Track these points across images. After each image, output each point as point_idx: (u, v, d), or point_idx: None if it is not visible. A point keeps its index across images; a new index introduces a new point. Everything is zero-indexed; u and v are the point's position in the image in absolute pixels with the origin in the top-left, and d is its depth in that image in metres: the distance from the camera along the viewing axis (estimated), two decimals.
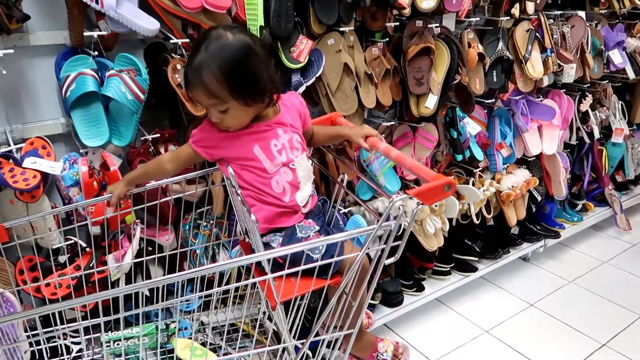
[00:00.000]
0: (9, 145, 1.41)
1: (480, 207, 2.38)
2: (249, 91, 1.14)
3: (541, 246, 2.76)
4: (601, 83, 2.82)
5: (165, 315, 1.75)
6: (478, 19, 2.15)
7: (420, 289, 2.29)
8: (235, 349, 1.52)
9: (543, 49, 2.29)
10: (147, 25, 1.38)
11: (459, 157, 2.24)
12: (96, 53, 1.44)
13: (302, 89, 1.69)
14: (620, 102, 2.98)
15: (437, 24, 1.99)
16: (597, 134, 2.75)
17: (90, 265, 1.47)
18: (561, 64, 2.36)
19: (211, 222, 1.73)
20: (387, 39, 1.93)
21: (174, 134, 1.63)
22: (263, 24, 1.56)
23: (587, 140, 2.78)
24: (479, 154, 2.27)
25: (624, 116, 3.02)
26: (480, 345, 2.20)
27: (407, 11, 1.84)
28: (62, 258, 1.50)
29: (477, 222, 2.38)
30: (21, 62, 1.46)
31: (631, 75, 2.81)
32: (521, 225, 2.73)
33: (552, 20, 2.42)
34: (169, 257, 1.60)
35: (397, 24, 1.92)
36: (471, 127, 2.23)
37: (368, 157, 1.96)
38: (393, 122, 2.05)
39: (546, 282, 2.66)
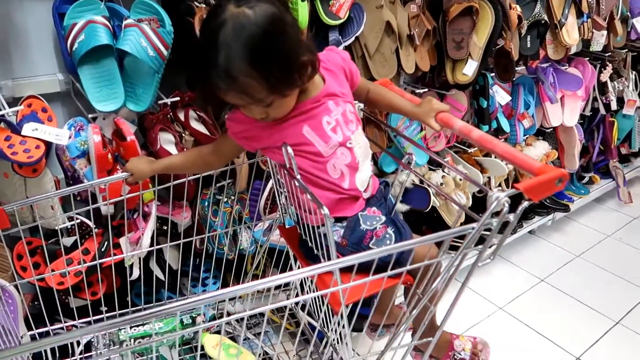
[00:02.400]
0: (1, 107, 1.16)
1: (501, 181, 2.26)
2: (290, 76, 0.92)
3: (550, 220, 2.70)
4: (620, 52, 2.71)
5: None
6: None
7: None
8: (266, 342, 1.37)
9: (579, 14, 2.13)
10: None
11: (485, 128, 2.09)
12: None
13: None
14: (634, 72, 2.88)
15: None
16: (614, 106, 2.66)
17: (102, 249, 1.27)
18: (594, 30, 2.21)
19: (232, 197, 1.54)
20: None
21: (194, 97, 1.40)
22: None
23: (603, 111, 2.69)
24: (506, 125, 2.14)
25: (636, 87, 2.93)
26: (496, 322, 2.14)
27: None
28: (68, 240, 1.28)
29: None
30: (9, 3, 1.19)
31: None
32: None
33: None
34: (183, 235, 1.41)
35: None
36: (500, 96, 2.08)
37: (397, 126, 1.79)
38: (426, 90, 1.87)
39: (554, 256, 2.62)
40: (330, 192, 1.04)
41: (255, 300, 1.52)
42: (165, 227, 1.43)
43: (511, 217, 0.88)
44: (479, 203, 2.37)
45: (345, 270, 1.02)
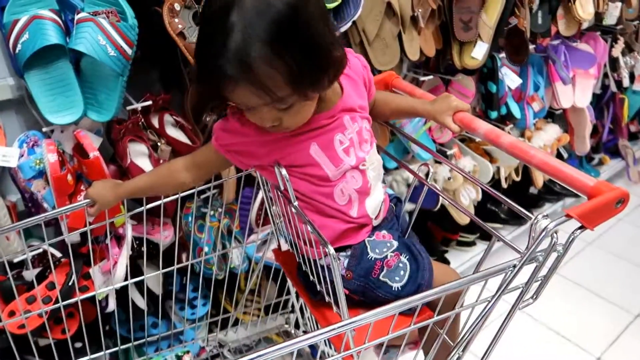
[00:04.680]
0: None
1: (510, 171, 2.10)
2: (319, 72, 0.72)
3: (560, 206, 2.55)
4: (631, 24, 2.52)
5: (165, 325, 1.40)
6: None
7: (445, 263, 2.03)
8: None
9: None
10: None
11: (494, 115, 1.92)
12: None
13: None
14: None
15: None
16: (626, 83, 2.48)
17: (69, 282, 1.09)
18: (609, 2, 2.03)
19: (219, 210, 1.36)
20: None
21: (169, 99, 1.21)
22: None
23: (614, 89, 2.52)
24: (516, 110, 1.97)
25: None
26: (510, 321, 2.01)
27: None
28: (28, 274, 1.10)
29: (506, 187, 2.11)
30: None
31: None
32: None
33: None
34: (164, 253, 1.23)
35: None
36: (510, 79, 1.90)
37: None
38: (431, 76, 1.68)
39: None
40: (335, 220, 0.86)
41: (250, 327, 1.36)
42: (143, 249, 1.26)
43: (560, 248, 0.72)
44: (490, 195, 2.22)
45: (355, 306, 0.87)
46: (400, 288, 0.87)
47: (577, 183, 0.73)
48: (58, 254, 1.12)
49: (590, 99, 2.31)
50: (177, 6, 1.05)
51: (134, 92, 1.17)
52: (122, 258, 1.12)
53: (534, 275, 0.73)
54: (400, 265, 0.87)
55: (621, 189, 0.70)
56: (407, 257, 0.89)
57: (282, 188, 0.83)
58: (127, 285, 1.18)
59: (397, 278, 0.87)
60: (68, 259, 1.12)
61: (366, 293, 0.88)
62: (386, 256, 0.87)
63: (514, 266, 0.71)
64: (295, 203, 0.81)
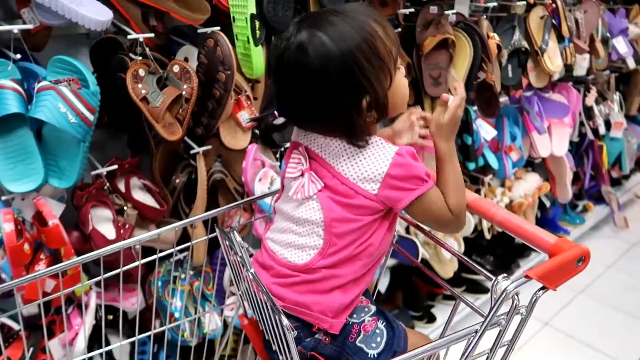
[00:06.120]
0: None
1: None
2: None
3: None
4: (602, 74, 2.59)
5: None
6: (495, 4, 1.82)
7: (432, 319, 1.98)
8: None
9: (560, 38, 2.00)
10: (96, 14, 0.95)
11: (472, 166, 1.93)
12: (19, 56, 1.00)
13: None
14: (618, 93, 2.77)
15: (455, 11, 1.65)
16: (602, 130, 2.52)
17: (29, 357, 1.04)
18: (577, 55, 2.09)
19: (190, 273, 1.32)
20: (399, 29, 1.57)
21: (137, 163, 1.20)
22: (255, 12, 1.15)
23: (591, 137, 2.55)
24: (493, 160, 1.97)
25: (621, 108, 2.82)
26: None
27: None
28: None
29: (489, 237, 2.09)
30: None
31: (632, 64, 2.59)
32: None
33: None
34: (133, 319, 1.18)
35: (412, 10, 1.55)
36: (485, 130, 1.92)
37: None
38: None
39: (555, 294, 2.39)
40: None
41: None
42: (110, 317, 1.21)
43: (523, 310, 0.69)
44: (474, 244, 2.19)
45: None
46: (376, 355, 0.83)
47: (537, 241, 0.71)
48: (17, 327, 1.07)
49: (568, 147, 2.33)
50: (141, 72, 1.06)
51: (102, 156, 1.16)
52: (82, 330, 1.07)
53: (499, 340, 0.70)
54: (377, 331, 0.84)
55: (581, 246, 0.68)
56: (384, 323, 0.86)
57: (239, 254, 0.80)
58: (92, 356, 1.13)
59: (373, 345, 0.83)
60: (26, 331, 1.07)
61: (341, 359, 0.84)
62: (364, 320, 0.84)
63: (476, 331, 0.68)
64: (252, 270, 0.78)
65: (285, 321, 0.68)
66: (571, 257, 0.67)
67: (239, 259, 0.81)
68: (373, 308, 0.86)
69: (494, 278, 0.69)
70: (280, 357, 0.81)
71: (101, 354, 1.16)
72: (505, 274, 0.68)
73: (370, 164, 0.77)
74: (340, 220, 0.78)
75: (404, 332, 0.85)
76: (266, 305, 0.76)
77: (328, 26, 0.73)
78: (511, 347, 0.71)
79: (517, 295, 0.67)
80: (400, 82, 0.81)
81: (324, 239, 0.78)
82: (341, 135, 0.79)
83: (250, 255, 0.86)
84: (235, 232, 0.78)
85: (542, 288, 0.68)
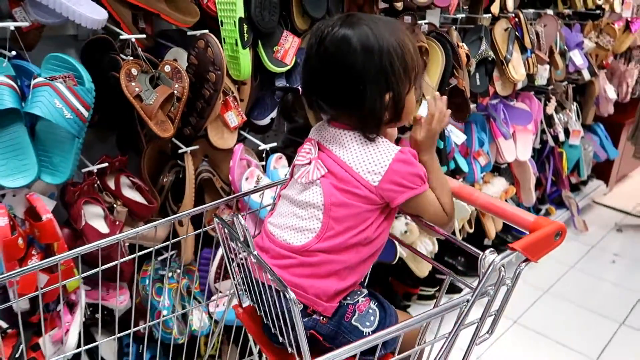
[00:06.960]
0: None
1: (464, 222, 2.18)
2: None
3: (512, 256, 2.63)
4: (560, 85, 2.76)
5: None
6: (463, 15, 1.94)
7: None
8: None
9: (523, 49, 2.13)
10: (92, 13, 0.98)
11: (444, 169, 2.02)
12: (13, 53, 1.01)
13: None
14: (575, 103, 2.95)
15: (427, 21, 1.74)
16: (562, 137, 2.68)
17: (17, 355, 1.03)
18: (538, 65, 2.22)
19: (178, 271, 1.34)
20: None
21: (126, 161, 1.22)
22: (243, 16, 1.20)
23: (552, 144, 2.70)
24: (464, 164, 2.07)
25: (579, 118, 2.99)
26: None
27: (400, 4, 1.57)
28: None
29: (460, 238, 2.18)
30: None
31: (587, 76, 2.77)
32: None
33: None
34: (119, 319, 1.18)
35: None
36: (455, 135, 2.01)
37: None
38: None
39: (523, 293, 2.53)
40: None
41: None
42: (97, 315, 1.21)
43: (508, 282, 0.75)
44: (446, 246, 2.27)
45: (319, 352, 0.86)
46: (370, 333, 0.87)
47: (518, 219, 0.78)
48: (4, 325, 1.07)
49: (532, 153, 2.46)
50: (134, 71, 1.09)
51: (91, 154, 1.18)
52: (74, 326, 1.07)
53: (487, 309, 0.76)
54: (370, 311, 0.89)
55: (558, 222, 0.76)
56: (376, 304, 0.91)
57: (241, 239, 0.84)
58: (79, 355, 1.13)
59: (367, 323, 0.88)
60: (16, 329, 1.06)
61: (337, 338, 0.88)
62: (357, 301, 0.89)
63: (467, 300, 0.73)
64: (255, 252, 0.82)
65: (292, 295, 0.72)
66: (550, 231, 0.74)
67: (240, 244, 0.85)
68: (365, 290, 0.92)
69: (481, 253, 0.76)
70: (281, 338, 0.85)
71: (88, 352, 1.16)
72: (492, 248, 0.74)
73: (375, 157, 0.83)
74: (338, 204, 0.83)
75: (394, 312, 0.91)
76: (269, 287, 0.80)
77: (372, 25, 0.82)
78: (499, 316, 0.77)
79: (503, 266, 0.74)
80: (412, 99, 0.90)
81: (322, 222, 0.83)
82: (355, 125, 0.85)
83: None
84: (239, 215, 0.82)
85: (525, 260, 0.74)
